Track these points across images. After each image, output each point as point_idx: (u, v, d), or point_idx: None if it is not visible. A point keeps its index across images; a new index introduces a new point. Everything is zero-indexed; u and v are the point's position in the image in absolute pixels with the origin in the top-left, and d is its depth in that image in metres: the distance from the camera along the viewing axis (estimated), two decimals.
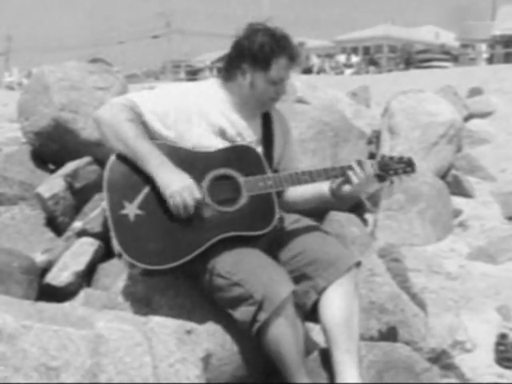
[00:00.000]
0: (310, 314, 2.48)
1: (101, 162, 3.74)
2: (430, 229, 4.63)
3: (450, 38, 39.50)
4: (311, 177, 2.54)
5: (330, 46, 46.19)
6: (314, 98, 6.02)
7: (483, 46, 32.17)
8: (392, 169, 2.64)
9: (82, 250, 3.24)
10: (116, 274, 2.99)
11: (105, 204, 2.40)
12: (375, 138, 5.99)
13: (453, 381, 2.88)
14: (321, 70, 27.48)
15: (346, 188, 2.60)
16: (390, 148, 5.62)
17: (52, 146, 4.03)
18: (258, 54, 2.49)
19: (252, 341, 2.36)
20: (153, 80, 31.93)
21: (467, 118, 7.89)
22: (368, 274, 2.95)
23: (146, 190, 2.38)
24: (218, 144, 2.52)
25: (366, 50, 43.81)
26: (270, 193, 2.49)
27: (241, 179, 2.47)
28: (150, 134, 2.47)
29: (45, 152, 4.11)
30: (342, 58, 32.33)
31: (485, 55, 30.69)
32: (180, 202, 2.32)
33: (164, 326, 2.00)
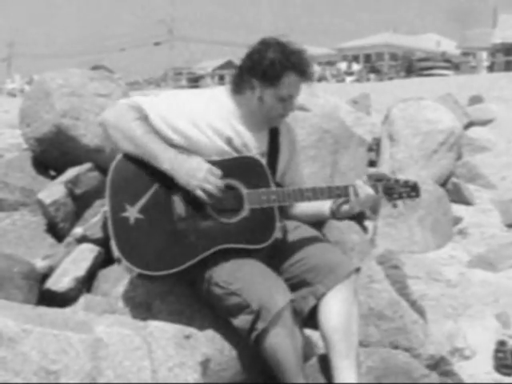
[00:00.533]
0: (309, 319, 2.49)
1: (102, 169, 3.75)
2: (429, 236, 4.64)
3: (451, 46, 39.58)
4: (314, 194, 2.52)
5: (331, 54, 46.27)
6: (315, 106, 6.04)
7: (484, 54, 32.22)
8: (396, 192, 2.62)
9: (83, 256, 3.25)
10: (116, 280, 3.00)
11: (106, 205, 2.40)
12: (375, 146, 6.00)
13: None
14: (322, 78, 27.54)
15: (345, 208, 2.60)
16: (390, 155, 5.64)
17: (53, 153, 4.04)
18: (268, 71, 2.47)
19: (251, 347, 2.36)
20: (154, 87, 31.99)
21: (467, 126, 7.91)
22: (367, 281, 2.96)
23: (149, 194, 2.38)
24: (224, 152, 2.51)
25: (367, 58, 43.91)
26: (271, 207, 2.48)
27: (244, 191, 2.45)
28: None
29: (46, 158, 4.12)
30: (343, 66, 32.41)
31: (485, 63, 30.74)
32: (211, 187, 2.34)
33: (163, 331, 2.01)
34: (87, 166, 3.79)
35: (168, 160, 2.36)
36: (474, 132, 7.80)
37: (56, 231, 3.66)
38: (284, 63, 2.47)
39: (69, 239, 3.47)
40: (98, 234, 3.31)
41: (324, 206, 2.66)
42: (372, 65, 34.02)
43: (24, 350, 1.78)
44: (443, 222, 4.81)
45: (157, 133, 2.45)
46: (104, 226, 2.48)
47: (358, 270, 2.53)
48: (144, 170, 2.40)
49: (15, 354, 1.77)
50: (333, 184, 2.65)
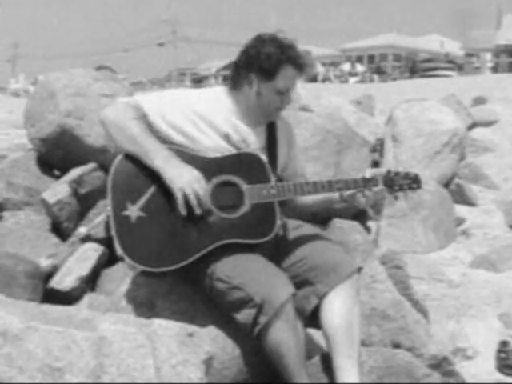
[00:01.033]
0: (311, 319, 2.50)
1: (106, 168, 3.77)
2: (432, 237, 4.64)
3: (454, 47, 39.56)
4: (315, 188, 2.56)
5: (335, 55, 46.28)
6: (318, 106, 6.04)
7: (488, 55, 32.21)
8: (397, 184, 2.64)
9: (86, 256, 3.27)
10: (120, 279, 3.01)
11: (108, 204, 2.42)
12: (379, 146, 6.00)
13: None
14: (326, 79, 27.57)
15: (356, 200, 2.62)
16: (393, 156, 5.64)
17: (57, 153, 4.06)
18: (265, 65, 2.52)
19: (254, 344, 2.38)
20: (158, 88, 32.04)
21: (471, 127, 7.90)
22: (370, 281, 2.96)
23: (149, 192, 2.41)
24: (223, 148, 2.54)
25: (371, 59, 43.91)
26: (272, 202, 2.50)
27: (244, 186, 2.48)
28: (155, 135, 2.49)
29: (50, 158, 4.14)
30: (346, 67, 32.42)
31: (489, 64, 30.74)
32: (191, 193, 2.35)
33: (167, 329, 2.03)
34: (91, 165, 3.82)
35: (160, 158, 2.39)
36: (478, 133, 7.79)
37: (60, 231, 3.68)
38: (280, 56, 2.52)
39: (73, 239, 3.49)
40: (101, 233, 3.33)
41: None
42: (378, 65, 34.03)
43: (29, 347, 1.80)
44: (446, 223, 4.81)
45: (155, 131, 2.50)
46: (107, 226, 2.50)
47: (359, 269, 2.55)
48: (145, 169, 2.43)
49: (20, 351, 1.79)
50: (333, 178, 2.67)
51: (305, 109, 5.73)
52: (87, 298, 3.12)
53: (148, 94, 2.65)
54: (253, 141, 2.62)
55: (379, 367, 2.51)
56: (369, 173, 2.64)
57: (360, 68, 32.14)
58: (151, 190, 2.42)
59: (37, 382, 1.76)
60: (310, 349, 2.58)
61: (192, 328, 2.12)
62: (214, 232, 2.42)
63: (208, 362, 2.08)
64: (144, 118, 2.49)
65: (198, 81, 37.34)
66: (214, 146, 2.53)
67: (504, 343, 3.21)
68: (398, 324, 2.87)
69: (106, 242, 3.29)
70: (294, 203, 2.76)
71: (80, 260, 3.25)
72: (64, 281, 3.16)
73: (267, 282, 2.30)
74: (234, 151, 2.56)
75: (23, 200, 3.98)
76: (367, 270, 2.97)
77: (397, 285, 3.16)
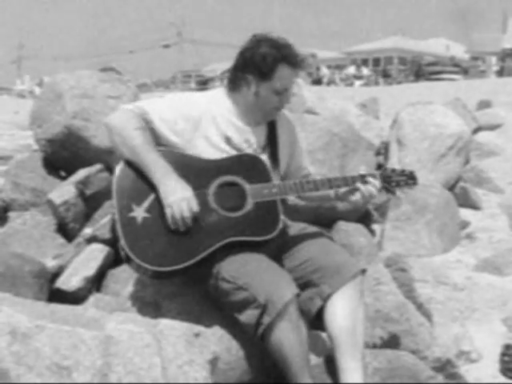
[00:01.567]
0: (316, 320, 2.51)
1: (112, 170, 3.78)
2: (437, 240, 4.64)
3: (460, 51, 39.52)
4: (315, 186, 2.61)
5: (340, 58, 46.29)
6: (323, 109, 6.05)
7: (493, 59, 32.16)
8: (394, 181, 2.70)
9: (92, 256, 3.28)
10: (125, 280, 3.03)
11: (113, 206, 2.45)
12: (384, 150, 6.01)
13: None
14: (331, 82, 27.55)
15: (350, 196, 2.68)
16: (398, 159, 5.64)
17: (64, 153, 4.08)
18: (261, 65, 2.56)
19: (258, 345, 2.39)
20: (163, 89, 32.06)
21: (476, 131, 7.90)
22: (374, 283, 2.97)
23: (154, 193, 2.45)
24: (224, 151, 2.58)
25: (376, 62, 43.89)
26: (274, 200, 2.54)
27: (246, 186, 2.52)
28: (159, 140, 2.54)
29: (56, 159, 4.16)
30: (351, 70, 32.41)
31: (495, 68, 30.68)
32: (177, 212, 2.38)
33: (173, 329, 2.04)
34: (97, 167, 3.83)
35: (158, 171, 2.44)
36: (483, 137, 7.78)
37: (66, 231, 3.69)
38: (276, 56, 2.56)
39: (79, 239, 3.51)
40: (107, 234, 3.34)
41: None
42: (383, 69, 34.02)
43: (37, 345, 1.82)
44: (451, 226, 4.81)
45: (158, 136, 2.55)
46: (113, 227, 2.53)
47: (364, 271, 2.56)
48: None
49: (29, 350, 1.81)
50: (332, 176, 2.71)
51: (310, 112, 5.75)
52: (93, 299, 3.13)
53: (153, 99, 2.69)
54: (254, 140, 2.66)
55: (383, 369, 2.52)
56: (363, 170, 2.69)
57: (365, 71, 32.15)
58: (156, 190, 2.44)
59: (45, 379, 1.78)
60: (315, 350, 2.59)
61: (198, 328, 2.13)
62: (219, 231, 2.45)
63: (213, 362, 2.10)
64: (148, 125, 2.53)
65: (203, 83, 37.32)
66: (215, 148, 2.57)
67: (508, 347, 3.21)
68: (402, 327, 2.88)
69: (112, 243, 3.30)
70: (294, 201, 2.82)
71: (86, 260, 3.26)
72: (70, 281, 3.17)
73: (271, 283, 2.32)
74: (234, 153, 2.59)
75: (29, 201, 4.00)
76: (371, 273, 2.98)
77: (401, 287, 3.17)
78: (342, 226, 4.12)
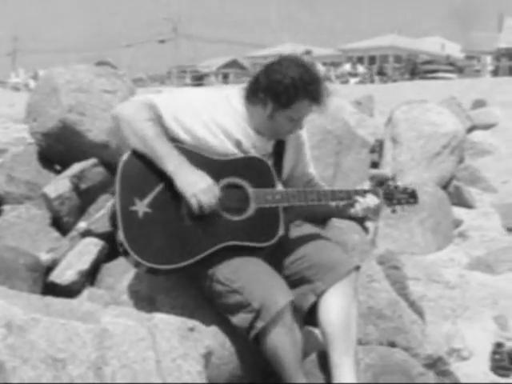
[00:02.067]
0: (309, 316, 2.53)
1: (107, 164, 3.79)
2: (430, 238, 4.67)
3: (455, 50, 39.53)
4: (318, 197, 2.57)
5: (335, 55, 46.25)
6: None
7: (488, 59, 32.21)
8: (396, 198, 2.71)
9: (87, 250, 3.29)
10: (119, 274, 3.04)
11: (115, 198, 2.42)
12: (378, 147, 6.03)
13: None
14: (326, 79, 27.52)
15: (350, 208, 2.67)
16: (392, 157, 5.67)
17: (59, 147, 4.08)
18: (282, 95, 2.49)
19: (251, 342, 2.40)
20: (158, 84, 32.02)
21: (470, 130, 7.94)
22: (367, 280, 2.99)
23: (158, 189, 2.42)
24: (233, 154, 2.54)
25: (372, 60, 43.89)
26: (277, 207, 2.52)
27: (250, 190, 2.50)
28: (168, 137, 2.50)
29: (51, 153, 4.16)
30: (347, 67, 32.43)
31: (490, 67, 30.73)
32: (206, 200, 2.36)
33: (167, 323, 2.05)
34: (92, 161, 3.83)
35: (173, 164, 2.39)
36: (477, 136, 7.82)
37: (60, 225, 3.70)
38: (299, 91, 2.49)
39: (73, 233, 3.51)
40: (102, 228, 3.35)
41: None
42: (379, 66, 34.03)
43: (32, 338, 1.83)
44: (444, 225, 4.84)
45: (168, 132, 2.48)
46: (110, 220, 2.51)
47: (357, 268, 2.57)
48: (153, 166, 2.43)
49: (24, 342, 1.81)
50: (336, 188, 2.70)
51: None
52: (87, 292, 3.14)
53: (163, 94, 2.63)
54: (262, 146, 2.63)
55: (375, 365, 2.54)
56: (367, 185, 2.70)
57: (361, 69, 32.16)
58: (160, 186, 2.42)
59: (40, 372, 1.79)
60: (308, 346, 2.61)
61: (192, 322, 2.14)
62: (218, 234, 2.43)
63: (207, 357, 2.11)
64: (159, 119, 2.47)
65: (199, 78, 37.29)
66: (224, 150, 2.54)
67: (499, 345, 3.24)
68: (394, 324, 2.89)
69: (107, 237, 3.31)
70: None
71: (80, 254, 3.27)
72: (64, 275, 3.18)
73: (266, 288, 2.32)
74: (241, 155, 2.57)
75: (24, 194, 4.00)
76: (365, 270, 2.99)
77: (394, 285, 3.19)
78: (336, 223, 4.13)
